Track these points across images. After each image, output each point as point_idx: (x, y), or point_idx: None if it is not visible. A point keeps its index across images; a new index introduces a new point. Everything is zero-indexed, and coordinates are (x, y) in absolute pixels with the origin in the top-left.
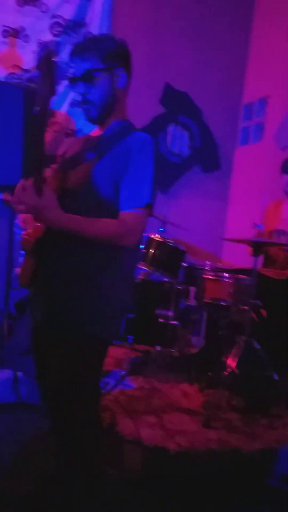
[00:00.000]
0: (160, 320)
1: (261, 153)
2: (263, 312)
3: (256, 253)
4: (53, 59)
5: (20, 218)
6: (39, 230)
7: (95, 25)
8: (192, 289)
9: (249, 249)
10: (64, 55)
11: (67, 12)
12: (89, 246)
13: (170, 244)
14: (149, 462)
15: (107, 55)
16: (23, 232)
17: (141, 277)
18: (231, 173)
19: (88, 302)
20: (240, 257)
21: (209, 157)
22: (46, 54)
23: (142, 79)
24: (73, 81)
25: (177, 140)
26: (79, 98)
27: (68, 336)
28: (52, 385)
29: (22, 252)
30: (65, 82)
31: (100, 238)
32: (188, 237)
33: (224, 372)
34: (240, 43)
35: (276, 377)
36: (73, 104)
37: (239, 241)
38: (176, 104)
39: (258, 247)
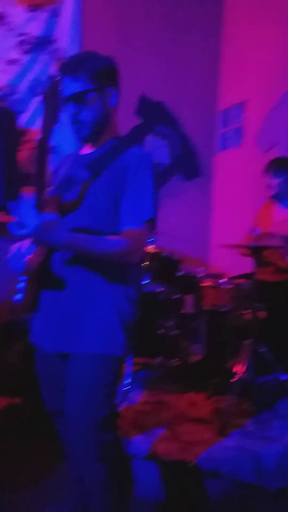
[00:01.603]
0: (160, 331)
1: (241, 157)
2: (262, 315)
3: (254, 257)
4: (59, 90)
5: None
6: (41, 255)
7: (64, 40)
8: (189, 297)
9: (244, 253)
10: (34, 73)
11: (34, 29)
12: (94, 266)
13: (164, 254)
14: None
15: (97, 75)
16: (26, 258)
17: None
18: (212, 179)
19: (98, 322)
20: (228, 262)
21: (189, 165)
22: (52, 85)
23: None
24: (63, 101)
25: (156, 150)
26: (69, 118)
27: (81, 359)
28: (70, 410)
29: (23, 277)
30: (37, 99)
31: (105, 256)
32: (175, 246)
33: (233, 378)
34: (211, 50)
35: (283, 377)
36: None
37: (235, 247)
38: (153, 115)
39: (255, 252)
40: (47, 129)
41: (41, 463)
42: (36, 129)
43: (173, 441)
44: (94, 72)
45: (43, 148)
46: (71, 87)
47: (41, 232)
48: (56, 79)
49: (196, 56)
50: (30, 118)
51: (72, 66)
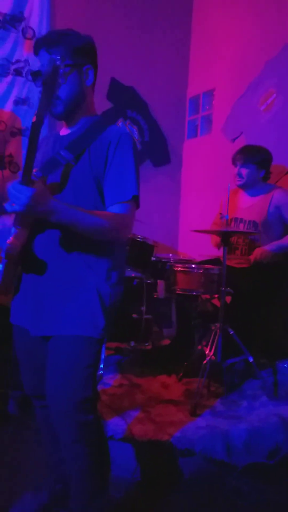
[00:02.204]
0: (134, 315)
1: (210, 145)
2: (227, 299)
3: (225, 243)
4: (58, 74)
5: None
6: (22, 238)
7: (34, 19)
8: (160, 282)
9: (212, 239)
10: (3, 51)
11: (4, 6)
12: (77, 248)
13: (138, 239)
14: (146, 458)
15: (76, 50)
16: (8, 240)
17: None
18: (181, 166)
19: (80, 305)
20: (196, 248)
21: (158, 152)
22: (53, 69)
23: None
24: (37, 75)
25: None
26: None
27: (62, 341)
28: (51, 391)
29: (3, 260)
30: (7, 79)
31: (97, 230)
32: (145, 232)
33: (203, 360)
34: (181, 36)
35: (251, 359)
36: (17, 102)
37: (207, 232)
38: (123, 99)
39: (227, 236)
40: (42, 113)
41: (15, 448)
42: (6, 110)
43: (148, 423)
44: (73, 47)
45: (36, 131)
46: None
47: (34, 203)
48: (56, 63)
49: (166, 43)
50: (1, 99)
51: (50, 40)
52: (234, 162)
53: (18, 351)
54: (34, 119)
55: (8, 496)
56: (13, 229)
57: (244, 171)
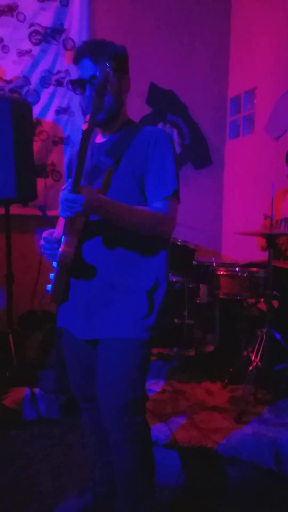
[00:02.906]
0: (176, 320)
1: (252, 145)
2: (275, 303)
3: (269, 245)
4: (109, 81)
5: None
6: (73, 245)
7: (74, 30)
8: (203, 287)
9: (258, 242)
10: (45, 64)
11: (45, 19)
12: (127, 249)
13: (179, 243)
14: (190, 465)
15: (116, 59)
16: (60, 248)
17: None
18: (223, 167)
19: (130, 307)
20: (241, 251)
21: (200, 154)
22: (105, 75)
23: None
24: (78, 83)
25: None
26: (85, 101)
27: (113, 343)
28: (102, 392)
29: (56, 268)
30: (49, 90)
31: (143, 225)
32: (187, 236)
33: (249, 366)
34: (220, 36)
35: None
36: (59, 111)
37: (251, 234)
38: (163, 103)
39: (272, 238)
40: (93, 120)
41: (60, 452)
42: (48, 120)
43: (192, 429)
44: (114, 56)
45: (87, 138)
46: (91, 68)
47: (87, 209)
48: (108, 70)
49: (205, 44)
50: (42, 109)
51: (91, 48)
52: (287, 160)
53: (67, 354)
54: (84, 126)
55: (53, 499)
56: (63, 238)
57: None
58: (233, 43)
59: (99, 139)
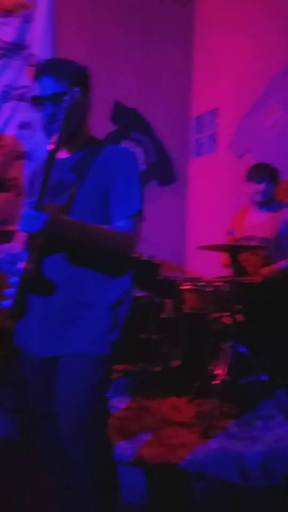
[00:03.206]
0: (141, 335)
1: (215, 163)
2: (238, 317)
3: (233, 259)
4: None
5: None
6: (36, 261)
7: (37, 46)
8: (168, 302)
9: (222, 258)
10: (6, 79)
11: (7, 35)
12: (89, 265)
13: (144, 258)
14: (156, 482)
15: (78, 77)
16: (22, 264)
17: None
18: (188, 185)
19: (91, 323)
20: (205, 267)
21: (164, 171)
22: (75, 101)
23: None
24: (39, 100)
25: None
26: (46, 118)
27: (73, 359)
28: (61, 409)
29: (15, 284)
30: (9, 105)
31: (106, 244)
32: (152, 251)
33: (214, 380)
34: (183, 57)
35: (265, 378)
36: (21, 126)
37: (215, 248)
38: (127, 121)
39: (235, 252)
40: (60, 141)
41: (19, 474)
42: (9, 134)
43: (158, 445)
44: (75, 74)
45: (53, 158)
46: (52, 86)
47: (49, 226)
48: (77, 92)
49: (169, 64)
50: (4, 123)
51: (53, 66)
52: (248, 180)
53: (25, 373)
54: (51, 146)
55: None
56: (24, 254)
57: (261, 187)
58: (196, 65)
59: (63, 154)
